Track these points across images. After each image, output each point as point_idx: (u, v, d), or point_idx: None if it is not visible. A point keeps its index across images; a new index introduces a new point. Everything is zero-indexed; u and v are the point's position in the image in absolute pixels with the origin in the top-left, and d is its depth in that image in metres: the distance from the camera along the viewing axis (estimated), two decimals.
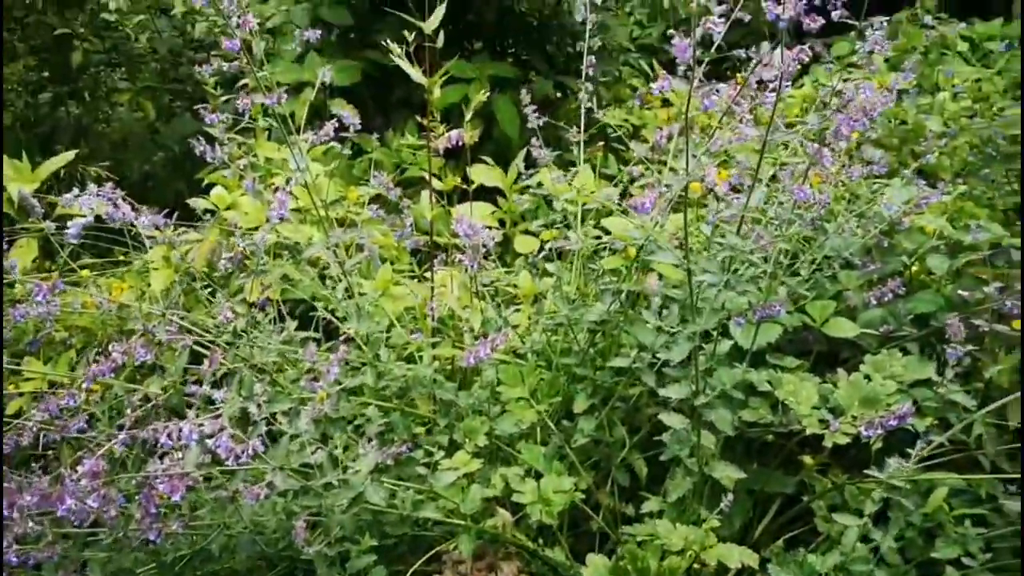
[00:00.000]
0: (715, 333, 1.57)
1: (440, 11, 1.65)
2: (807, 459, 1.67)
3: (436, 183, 1.87)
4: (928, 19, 4.07)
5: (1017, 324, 1.76)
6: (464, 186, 2.23)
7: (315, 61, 3.12)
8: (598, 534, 1.64)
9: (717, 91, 1.45)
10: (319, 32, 1.75)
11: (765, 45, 1.60)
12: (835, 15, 1.59)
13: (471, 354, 1.44)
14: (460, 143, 1.67)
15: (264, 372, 1.43)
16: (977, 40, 4.28)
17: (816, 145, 1.57)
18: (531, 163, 2.27)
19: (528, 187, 2.40)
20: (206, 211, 2.00)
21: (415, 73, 1.61)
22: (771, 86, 1.54)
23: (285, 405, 1.32)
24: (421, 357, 1.69)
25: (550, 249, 2.10)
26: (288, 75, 3.05)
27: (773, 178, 1.93)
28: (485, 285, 2.01)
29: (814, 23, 1.44)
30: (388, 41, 1.70)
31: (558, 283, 1.86)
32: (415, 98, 3.33)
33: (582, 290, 2.00)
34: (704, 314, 1.49)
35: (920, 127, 3.30)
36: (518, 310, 1.99)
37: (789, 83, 1.54)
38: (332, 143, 2.84)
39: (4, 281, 1.44)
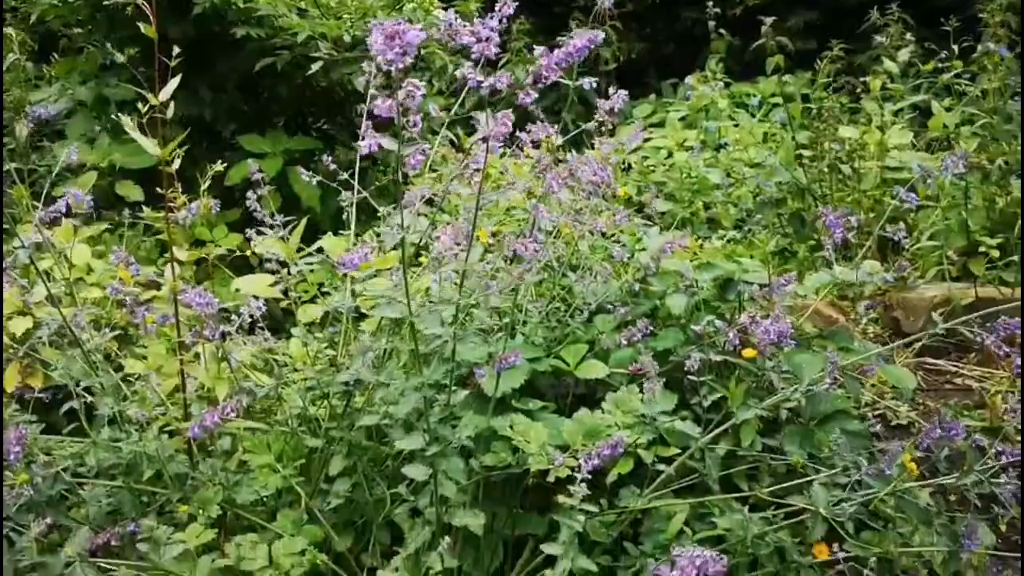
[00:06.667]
0: (449, 384, 1.62)
1: (173, 83, 1.67)
2: (560, 497, 1.72)
3: (181, 255, 1.86)
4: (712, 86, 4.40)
5: (748, 352, 1.89)
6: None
7: (103, 142, 3.07)
8: None
9: (423, 151, 1.52)
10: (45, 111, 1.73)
11: (481, 114, 1.70)
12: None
13: (197, 424, 1.43)
14: (196, 214, 1.68)
15: None
16: (762, 97, 4.64)
17: (535, 202, 1.68)
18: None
19: (311, 255, 2.42)
20: None
21: (149, 145, 1.62)
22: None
23: None
24: (169, 433, 1.66)
25: (326, 315, 2.13)
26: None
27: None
28: (260, 355, 2.00)
29: (528, 96, 1.52)
30: (118, 115, 1.70)
31: (316, 349, 1.88)
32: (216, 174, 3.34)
33: (350, 353, 2.02)
34: (432, 365, 1.53)
35: (704, 180, 3.52)
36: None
37: (500, 143, 1.60)
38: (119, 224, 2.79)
39: None
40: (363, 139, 1.84)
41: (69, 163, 3.07)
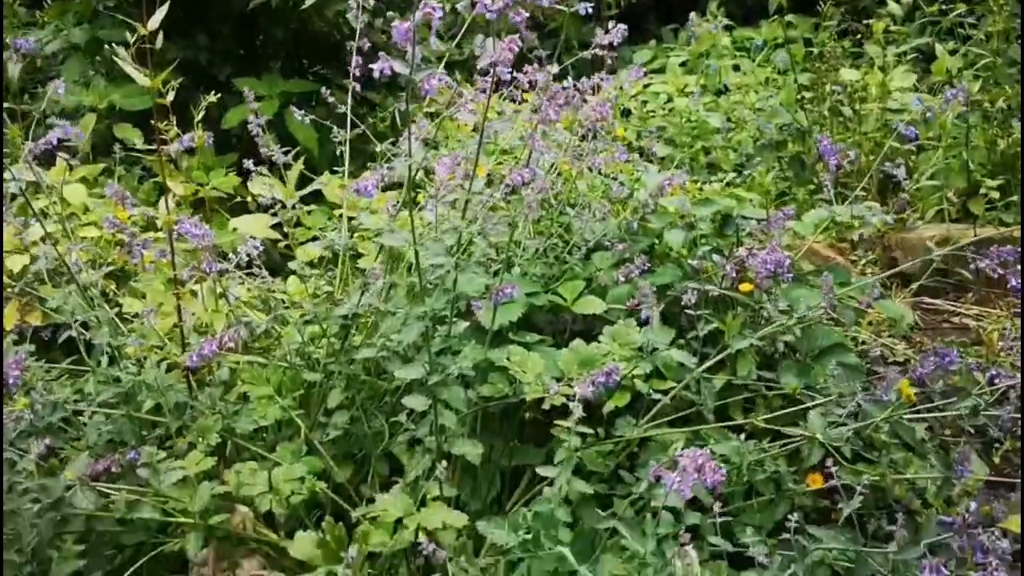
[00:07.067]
0: (450, 315, 1.62)
1: (162, 11, 1.64)
2: (556, 423, 1.73)
3: (177, 188, 1.85)
4: (714, 25, 4.34)
5: (745, 287, 1.89)
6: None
7: (99, 85, 3.04)
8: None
9: (433, 75, 1.51)
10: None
11: (480, 38, 1.68)
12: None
13: (195, 352, 1.44)
14: (192, 146, 1.67)
15: None
16: (765, 41, 4.58)
17: (531, 133, 1.67)
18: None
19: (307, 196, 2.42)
20: None
21: (138, 76, 1.60)
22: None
23: None
24: (168, 367, 1.67)
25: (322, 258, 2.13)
26: (67, 99, 2.96)
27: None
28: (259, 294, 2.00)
29: (519, 16, 1.51)
30: (111, 47, 1.68)
31: (314, 286, 1.88)
32: (214, 119, 3.30)
33: (348, 289, 2.02)
34: (434, 295, 1.53)
35: (704, 124, 3.49)
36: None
37: (509, 70, 1.58)
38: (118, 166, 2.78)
39: None
40: (354, 76, 1.81)
41: (64, 105, 3.05)
